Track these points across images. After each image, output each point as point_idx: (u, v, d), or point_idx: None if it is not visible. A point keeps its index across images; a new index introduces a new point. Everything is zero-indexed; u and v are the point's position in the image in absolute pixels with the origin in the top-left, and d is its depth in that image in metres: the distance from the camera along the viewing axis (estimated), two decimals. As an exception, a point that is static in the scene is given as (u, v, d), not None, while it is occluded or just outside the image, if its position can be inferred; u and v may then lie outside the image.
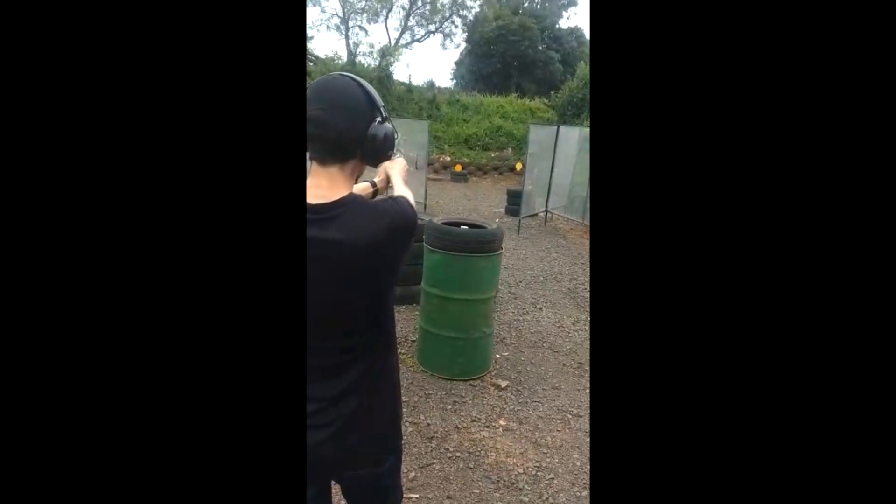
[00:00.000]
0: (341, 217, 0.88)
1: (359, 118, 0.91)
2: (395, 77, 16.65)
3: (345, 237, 0.87)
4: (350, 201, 0.90)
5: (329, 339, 0.93)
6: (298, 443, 0.61)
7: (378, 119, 0.94)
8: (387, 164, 1.14)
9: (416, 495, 2.12)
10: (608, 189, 0.60)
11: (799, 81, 0.53)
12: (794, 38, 0.53)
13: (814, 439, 0.52)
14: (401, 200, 0.98)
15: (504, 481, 2.24)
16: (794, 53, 0.53)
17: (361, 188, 1.15)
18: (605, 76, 0.60)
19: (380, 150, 0.96)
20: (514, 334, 3.87)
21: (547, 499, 2.15)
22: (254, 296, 0.59)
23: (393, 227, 0.91)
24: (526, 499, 2.15)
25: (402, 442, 1.34)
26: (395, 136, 0.99)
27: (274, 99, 0.60)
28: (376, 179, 1.18)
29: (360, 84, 0.93)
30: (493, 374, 3.21)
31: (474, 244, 2.96)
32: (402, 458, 2.25)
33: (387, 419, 1.05)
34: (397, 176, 1.14)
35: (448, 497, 2.12)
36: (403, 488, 2.17)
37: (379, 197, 1.11)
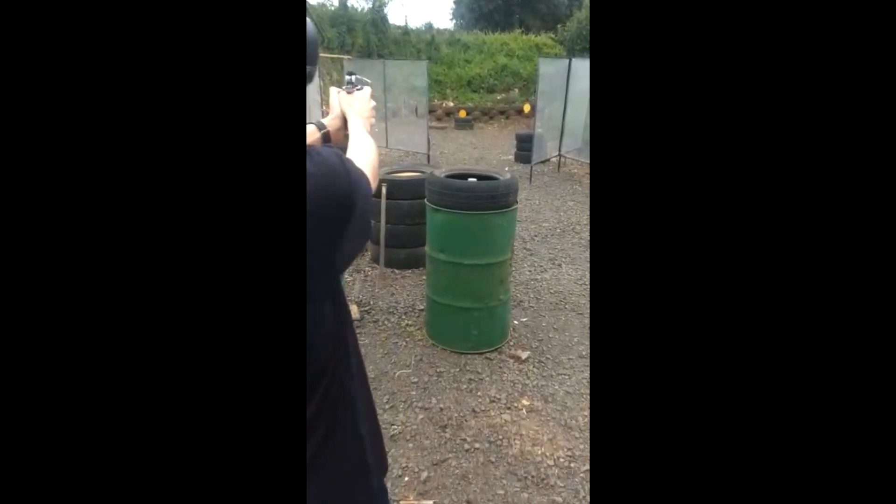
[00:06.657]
0: None
1: None
2: (391, 20, 15.67)
3: None
4: None
5: None
6: (298, 439, 0.57)
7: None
8: (343, 100, 0.79)
9: (430, 502, 1.81)
10: (608, 136, 0.54)
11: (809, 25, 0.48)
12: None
13: (814, 425, 0.51)
14: (329, 158, 0.63)
15: (532, 477, 1.93)
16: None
17: (307, 133, 0.79)
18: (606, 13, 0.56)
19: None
20: (532, 296, 3.50)
21: (584, 497, 1.84)
22: (252, 291, 0.55)
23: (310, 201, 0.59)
24: (559, 498, 1.84)
25: (387, 481, 1.05)
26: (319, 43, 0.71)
27: (272, 60, 0.52)
28: (326, 120, 0.79)
29: None
30: (511, 344, 2.87)
31: (485, 199, 2.53)
32: (407, 463, 1.94)
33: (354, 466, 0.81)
34: (355, 118, 0.78)
35: (467, 501, 1.82)
36: (415, 493, 1.87)
37: (328, 145, 0.79)
